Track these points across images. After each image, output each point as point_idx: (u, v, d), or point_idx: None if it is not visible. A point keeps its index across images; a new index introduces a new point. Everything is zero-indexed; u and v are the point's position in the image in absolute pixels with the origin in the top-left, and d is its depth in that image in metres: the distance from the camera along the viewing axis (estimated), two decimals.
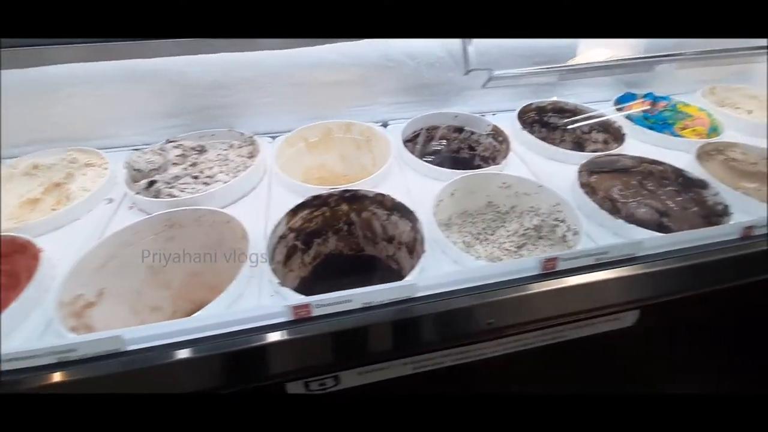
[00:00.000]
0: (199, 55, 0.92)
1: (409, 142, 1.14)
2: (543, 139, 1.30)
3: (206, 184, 0.85)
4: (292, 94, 1.02)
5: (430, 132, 1.17)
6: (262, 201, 0.86)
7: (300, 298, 0.50)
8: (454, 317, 0.47)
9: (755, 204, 0.83)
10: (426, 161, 1.18)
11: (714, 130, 1.11)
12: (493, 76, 0.63)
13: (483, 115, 1.22)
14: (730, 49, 1.07)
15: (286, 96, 1.02)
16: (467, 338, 0.50)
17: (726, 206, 0.82)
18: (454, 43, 1.07)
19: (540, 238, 0.88)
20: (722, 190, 0.86)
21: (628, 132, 1.10)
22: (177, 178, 0.84)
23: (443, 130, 1.18)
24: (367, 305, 0.46)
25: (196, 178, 0.85)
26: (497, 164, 0.99)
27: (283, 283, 0.61)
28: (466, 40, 0.63)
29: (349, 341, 0.45)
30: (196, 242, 0.83)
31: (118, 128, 0.98)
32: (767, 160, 1.01)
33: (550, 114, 1.25)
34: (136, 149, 0.96)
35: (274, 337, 0.44)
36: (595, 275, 0.51)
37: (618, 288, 0.52)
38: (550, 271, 0.50)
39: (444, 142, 1.20)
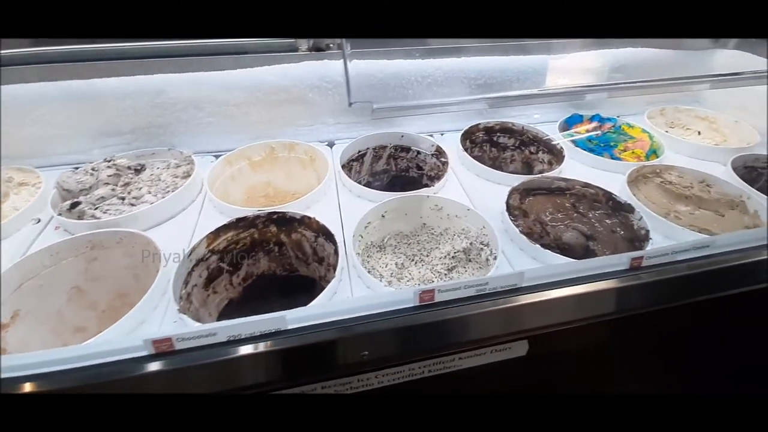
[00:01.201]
0: (137, 77, 0.93)
1: (355, 161, 1.16)
2: (494, 158, 1.33)
3: (132, 205, 0.85)
4: (236, 114, 1.03)
5: (378, 151, 1.18)
6: (190, 223, 0.86)
7: (168, 331, 0.48)
8: (324, 350, 0.47)
9: (677, 229, 0.84)
10: (371, 181, 1.20)
11: (653, 153, 1.13)
12: (374, 108, 0.64)
13: (431, 135, 1.24)
14: (675, 79, 1.09)
15: (229, 116, 1.03)
16: (340, 371, 0.50)
17: (647, 231, 0.83)
18: (393, 65, 1.09)
19: (469, 260, 0.89)
20: (647, 214, 0.87)
21: (569, 153, 1.11)
22: (103, 199, 0.84)
23: (391, 149, 1.19)
24: (234, 338, 0.46)
25: (122, 199, 0.85)
26: (438, 184, 1.00)
27: (182, 310, 0.61)
28: (349, 72, 0.64)
29: (213, 376, 0.45)
30: (120, 264, 0.83)
31: (57, 147, 0.98)
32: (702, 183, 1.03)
33: (498, 134, 1.26)
34: (77, 167, 0.97)
35: (135, 370, 0.43)
36: (476, 307, 0.51)
37: (501, 319, 0.53)
38: (427, 303, 0.51)
39: (392, 161, 1.21)
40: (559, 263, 0.59)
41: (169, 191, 0.89)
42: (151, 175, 0.93)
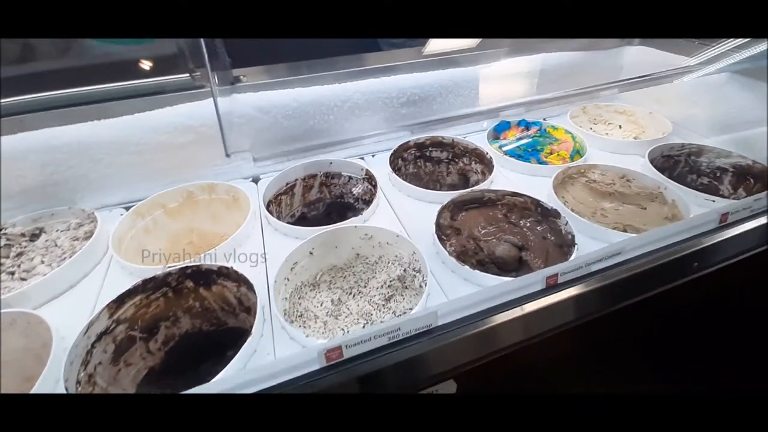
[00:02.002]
0: (18, 134, 0.84)
1: (285, 194, 1.10)
2: (430, 173, 1.32)
3: (23, 279, 0.75)
4: (138, 161, 0.95)
5: (308, 181, 1.13)
6: (92, 291, 0.78)
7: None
8: None
9: (601, 230, 0.85)
10: (305, 212, 1.15)
11: (577, 153, 1.16)
12: (256, 158, 0.60)
13: (362, 158, 1.21)
14: (589, 87, 1.13)
15: (132, 164, 0.95)
16: None
17: (573, 236, 0.83)
18: (309, 92, 1.05)
19: (405, 287, 0.86)
20: (573, 219, 0.88)
21: (499, 162, 1.12)
22: None
23: (321, 177, 1.14)
24: None
25: (12, 274, 0.76)
26: (370, 207, 0.97)
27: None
28: (226, 124, 0.59)
29: None
30: (19, 346, 0.73)
31: None
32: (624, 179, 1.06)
33: (430, 149, 1.26)
34: None
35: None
36: (392, 357, 0.47)
37: (422, 363, 0.49)
38: (333, 362, 0.46)
39: (325, 189, 1.16)
40: (469, 294, 0.56)
41: (65, 257, 0.80)
42: (47, 241, 0.84)
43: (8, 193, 0.88)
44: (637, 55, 1.38)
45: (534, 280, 0.55)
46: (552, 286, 0.56)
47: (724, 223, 0.69)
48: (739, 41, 1.09)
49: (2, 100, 0.84)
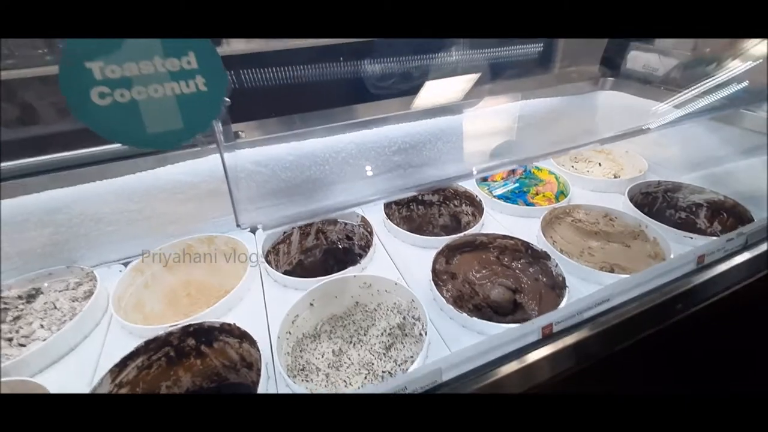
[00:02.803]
0: (18, 198, 0.85)
1: (282, 243, 1.12)
2: (422, 215, 1.36)
3: (22, 346, 0.75)
4: (139, 219, 0.97)
5: (304, 229, 1.16)
6: (93, 354, 0.77)
7: None
8: None
9: (589, 271, 0.89)
10: (302, 259, 1.16)
11: (561, 193, 1.22)
12: (266, 225, 0.63)
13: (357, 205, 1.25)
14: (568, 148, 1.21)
15: (133, 221, 0.96)
16: None
17: (563, 278, 0.86)
18: (304, 145, 1.10)
19: (405, 335, 0.87)
20: (562, 260, 0.92)
21: (488, 204, 1.17)
22: None
23: (318, 224, 1.17)
24: None
25: (10, 340, 0.75)
26: (367, 255, 1.00)
27: None
28: (235, 189, 0.63)
29: None
30: None
31: None
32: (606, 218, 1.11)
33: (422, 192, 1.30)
34: None
35: None
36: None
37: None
38: None
39: (321, 235, 1.19)
40: (469, 345, 0.58)
41: (65, 320, 0.80)
42: (45, 303, 0.84)
43: (7, 255, 0.88)
44: (611, 99, 1.48)
45: (530, 329, 0.58)
46: (548, 336, 0.58)
47: (702, 264, 0.73)
48: (704, 87, 1.19)
49: (3, 164, 0.86)
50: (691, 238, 0.98)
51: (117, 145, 0.94)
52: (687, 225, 1.17)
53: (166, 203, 0.97)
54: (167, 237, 1.00)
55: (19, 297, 0.86)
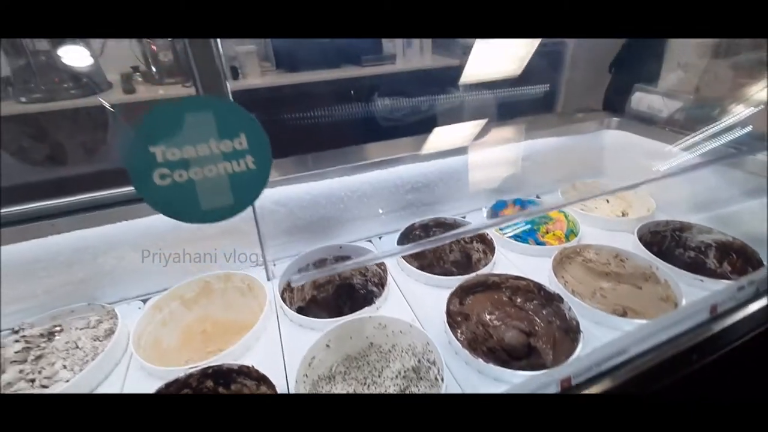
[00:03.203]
0: (48, 237, 0.89)
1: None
2: (434, 251, 1.38)
3: (44, 387, 0.76)
4: (162, 256, 0.99)
5: (318, 265, 1.18)
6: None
7: None
8: None
9: (603, 315, 0.90)
10: (315, 294, 1.18)
11: (571, 232, 1.24)
12: (292, 280, 0.66)
13: (370, 240, 1.28)
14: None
15: (153, 259, 0.99)
16: None
17: (577, 322, 0.87)
18: (321, 185, 1.14)
19: (420, 378, 0.87)
20: (575, 303, 0.93)
21: (499, 242, 1.19)
22: (9, 385, 0.75)
23: (331, 261, 1.20)
24: None
25: (32, 381, 0.76)
26: (382, 294, 1.01)
27: None
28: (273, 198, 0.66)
29: None
30: None
31: None
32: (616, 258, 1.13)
33: (434, 229, 1.33)
34: None
35: None
36: None
37: None
38: None
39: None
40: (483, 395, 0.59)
41: (87, 360, 0.81)
42: (67, 342, 0.85)
43: (33, 292, 0.90)
44: (617, 139, 1.52)
45: (548, 380, 0.59)
46: (566, 389, 0.59)
47: (715, 315, 0.74)
48: (712, 131, 1.22)
49: (33, 205, 0.90)
50: (702, 281, 0.99)
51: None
52: (696, 265, 1.18)
53: (187, 242, 1.00)
54: (185, 274, 1.03)
55: (41, 335, 0.87)
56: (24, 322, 0.89)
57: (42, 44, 1.90)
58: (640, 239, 1.17)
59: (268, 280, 0.64)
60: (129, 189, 0.96)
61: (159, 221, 0.97)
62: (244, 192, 0.44)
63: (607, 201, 1.52)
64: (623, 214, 1.42)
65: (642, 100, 1.52)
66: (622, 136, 1.51)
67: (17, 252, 0.87)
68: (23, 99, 1.91)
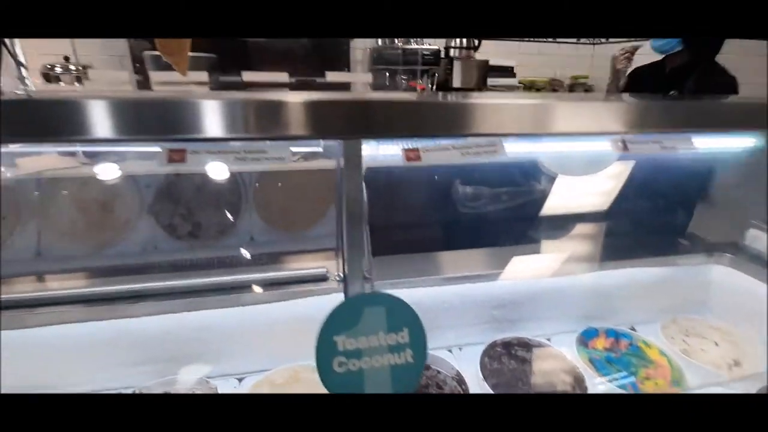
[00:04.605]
0: (180, 314, 1.02)
1: None
2: (513, 370, 1.32)
3: None
4: (265, 343, 1.09)
5: None
6: None
7: None
8: None
9: None
10: None
11: (677, 384, 1.12)
12: None
13: (450, 350, 1.27)
14: None
15: (259, 345, 1.09)
16: None
17: None
18: (415, 293, 1.19)
19: None
20: None
21: (590, 380, 1.11)
22: None
23: None
24: None
25: None
26: None
27: None
28: None
29: None
30: None
31: (86, 375, 1.02)
32: None
33: (516, 348, 1.29)
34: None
35: None
36: None
37: None
38: None
39: None
40: None
41: None
42: None
43: (157, 359, 1.03)
44: (727, 277, 1.41)
45: None
46: None
47: None
48: None
49: (170, 283, 1.06)
50: None
51: (251, 276, 1.12)
52: None
53: (289, 332, 1.09)
54: (280, 360, 1.10)
55: None
56: (144, 383, 1.00)
57: None
58: None
59: None
60: (242, 277, 1.10)
61: (266, 309, 1.08)
62: (401, 382, 0.50)
63: (716, 344, 1.37)
64: (735, 363, 1.26)
65: (758, 239, 1.41)
66: (734, 274, 1.40)
67: (152, 323, 1.01)
68: None
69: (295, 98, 0.54)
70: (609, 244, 1.45)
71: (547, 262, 1.34)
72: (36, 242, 1.16)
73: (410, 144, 0.61)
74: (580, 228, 1.44)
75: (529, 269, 1.27)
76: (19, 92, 0.55)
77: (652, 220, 1.50)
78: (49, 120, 0.47)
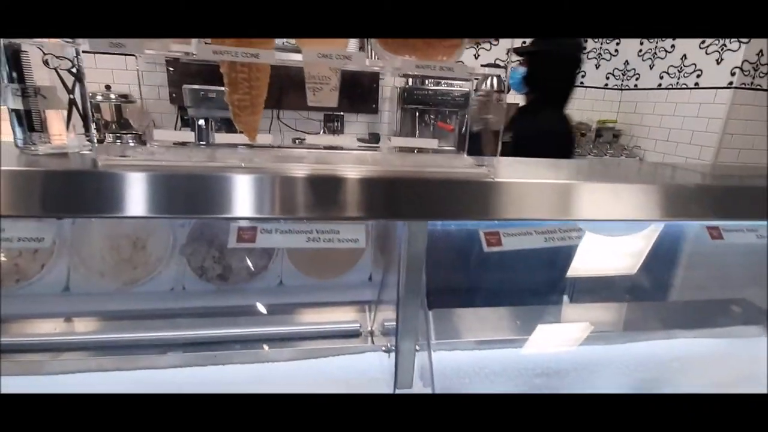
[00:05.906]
0: (209, 366, 0.97)
1: None
2: None
3: None
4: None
5: None
6: None
7: None
8: None
9: None
10: None
11: None
12: None
13: None
14: None
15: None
16: None
17: None
18: (450, 357, 1.11)
19: None
20: None
21: None
22: None
23: None
24: None
25: None
26: None
27: None
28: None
29: None
30: None
31: None
32: None
33: None
34: None
35: None
36: None
37: None
38: None
39: None
40: None
41: None
42: None
43: None
44: None
45: None
46: None
47: None
48: None
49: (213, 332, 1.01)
50: None
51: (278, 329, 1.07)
52: None
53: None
54: None
55: None
56: None
57: None
58: None
59: None
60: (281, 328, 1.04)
61: (300, 367, 1.02)
62: None
63: None
64: None
65: None
66: None
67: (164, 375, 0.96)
68: None
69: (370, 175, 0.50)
70: (659, 313, 1.36)
71: (594, 329, 1.25)
72: (66, 277, 1.13)
73: (488, 227, 0.56)
74: (633, 295, 1.36)
75: (575, 336, 1.19)
76: (84, 152, 0.53)
77: (706, 290, 1.41)
78: (117, 193, 0.44)
